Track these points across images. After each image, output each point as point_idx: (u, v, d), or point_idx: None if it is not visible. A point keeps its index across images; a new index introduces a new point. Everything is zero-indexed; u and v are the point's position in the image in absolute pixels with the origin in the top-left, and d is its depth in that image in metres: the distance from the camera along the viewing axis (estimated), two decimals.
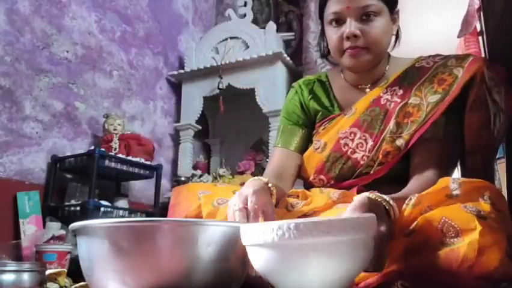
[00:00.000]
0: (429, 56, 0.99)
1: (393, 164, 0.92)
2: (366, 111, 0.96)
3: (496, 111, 0.90)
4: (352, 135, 0.96)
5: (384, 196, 0.66)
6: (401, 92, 0.95)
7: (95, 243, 0.58)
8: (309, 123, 1.08)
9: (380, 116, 0.95)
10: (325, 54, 1.06)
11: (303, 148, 1.06)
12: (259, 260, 0.54)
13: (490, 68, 0.90)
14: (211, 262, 0.57)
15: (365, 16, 0.90)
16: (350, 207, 0.63)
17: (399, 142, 0.91)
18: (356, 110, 0.98)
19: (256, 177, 0.83)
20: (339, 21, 0.92)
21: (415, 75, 0.95)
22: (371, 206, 0.62)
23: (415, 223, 0.65)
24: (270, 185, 0.81)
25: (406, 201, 0.69)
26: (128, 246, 0.55)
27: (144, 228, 0.56)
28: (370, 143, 0.94)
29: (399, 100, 0.94)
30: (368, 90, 1.00)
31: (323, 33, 1.03)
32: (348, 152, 0.96)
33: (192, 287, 0.56)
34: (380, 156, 0.92)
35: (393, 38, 1.00)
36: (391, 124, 0.92)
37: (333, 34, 0.94)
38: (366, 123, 0.96)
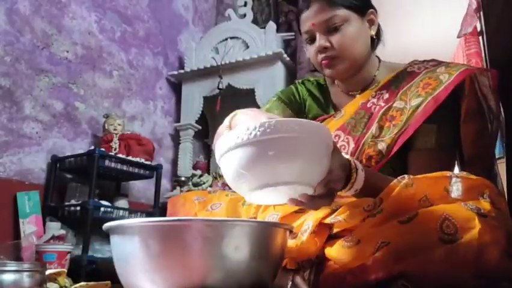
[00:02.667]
0: (424, 61, 0.98)
1: (377, 170, 0.89)
2: (354, 115, 0.96)
3: (491, 117, 0.91)
4: (336, 137, 0.95)
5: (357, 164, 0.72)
6: (387, 95, 0.94)
7: (133, 243, 0.56)
8: (298, 111, 1.07)
9: (364, 119, 0.94)
10: (313, 68, 1.08)
11: None
12: (234, 163, 0.60)
13: (485, 75, 0.90)
14: (244, 263, 0.55)
15: (332, 27, 0.92)
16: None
17: (381, 146, 0.89)
18: (345, 112, 0.98)
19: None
20: (312, 38, 0.96)
21: (404, 79, 0.95)
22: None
23: (414, 214, 0.64)
24: None
25: (398, 178, 0.69)
26: (167, 246, 0.54)
27: (177, 228, 0.54)
28: (352, 145, 0.93)
29: (383, 104, 0.93)
30: (358, 96, 1.00)
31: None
32: None
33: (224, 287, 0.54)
34: (364, 161, 0.91)
35: (375, 39, 0.99)
36: (373, 127, 0.91)
37: (309, 49, 0.98)
38: (351, 126, 0.95)
